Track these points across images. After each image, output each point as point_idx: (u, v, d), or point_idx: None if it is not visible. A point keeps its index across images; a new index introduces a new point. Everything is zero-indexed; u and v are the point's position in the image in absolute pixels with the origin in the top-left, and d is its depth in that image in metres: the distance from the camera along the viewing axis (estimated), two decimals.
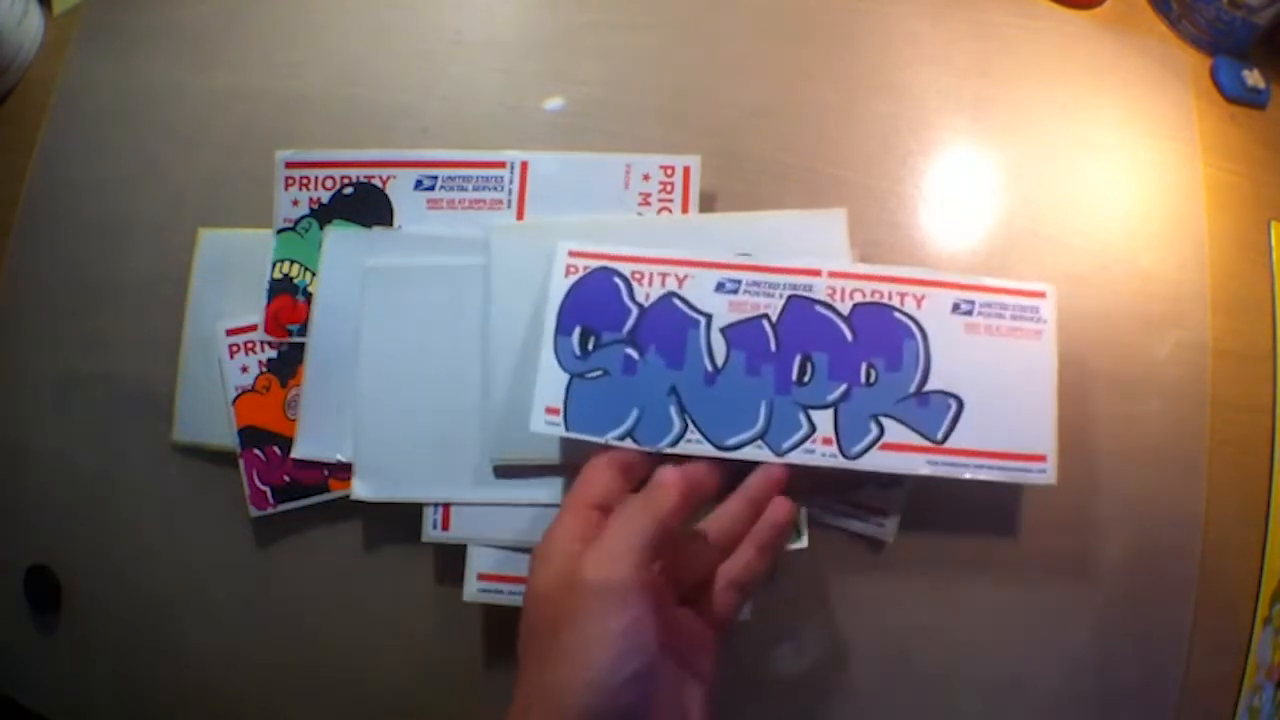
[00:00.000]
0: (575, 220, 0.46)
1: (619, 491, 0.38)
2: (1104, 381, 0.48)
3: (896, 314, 0.43)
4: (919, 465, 0.42)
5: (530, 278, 0.45)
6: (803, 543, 0.44)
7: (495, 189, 0.47)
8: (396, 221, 0.48)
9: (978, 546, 0.47)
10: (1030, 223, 0.50)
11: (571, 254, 0.44)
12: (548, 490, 0.45)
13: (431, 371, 0.46)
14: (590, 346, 0.43)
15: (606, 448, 0.41)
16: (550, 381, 0.43)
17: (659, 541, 0.34)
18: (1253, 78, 0.55)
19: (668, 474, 0.37)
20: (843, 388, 0.42)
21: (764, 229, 0.46)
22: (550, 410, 0.43)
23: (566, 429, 0.42)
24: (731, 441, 0.42)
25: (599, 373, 0.43)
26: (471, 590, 0.44)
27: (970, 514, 0.46)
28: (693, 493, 0.37)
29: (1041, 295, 0.43)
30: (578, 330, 0.43)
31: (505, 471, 0.45)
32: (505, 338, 0.45)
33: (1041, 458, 0.42)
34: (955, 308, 0.43)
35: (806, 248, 0.45)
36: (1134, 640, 0.47)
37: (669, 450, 0.42)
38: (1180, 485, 0.48)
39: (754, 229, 0.46)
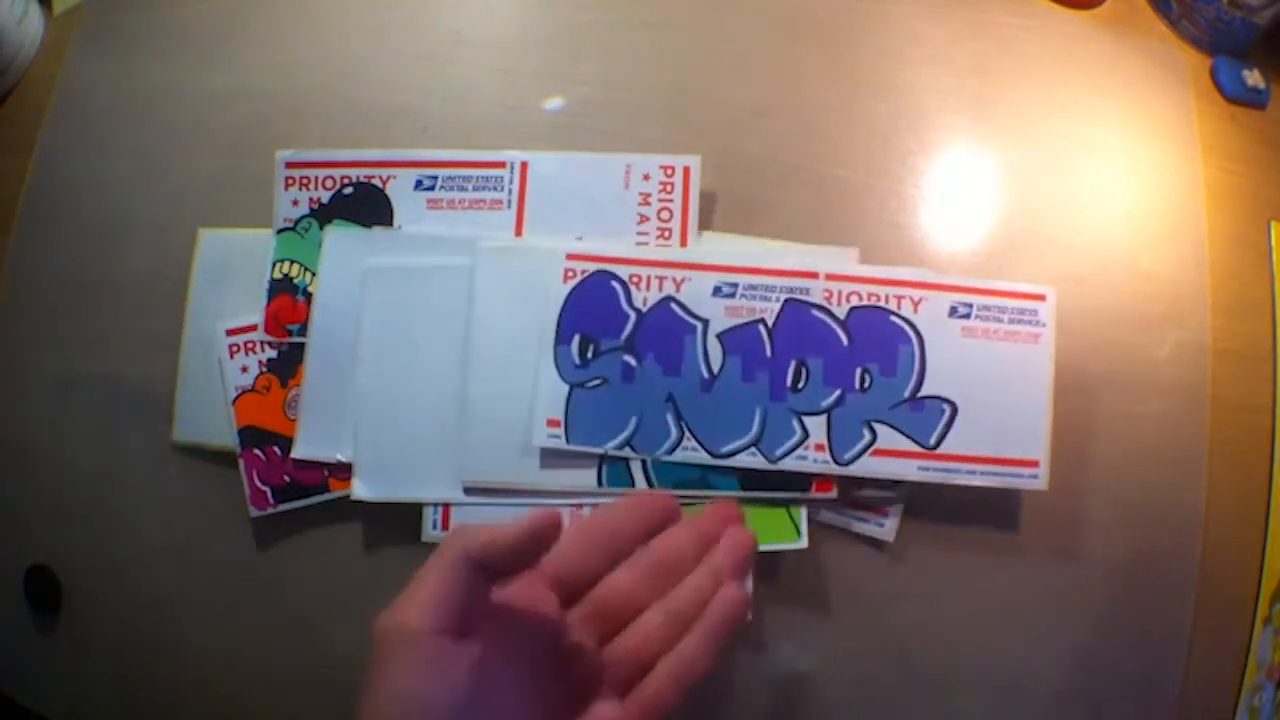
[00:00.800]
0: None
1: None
2: (1104, 381, 0.48)
3: (893, 318, 0.43)
4: (910, 470, 0.42)
5: (516, 300, 0.45)
6: (803, 543, 0.44)
7: (495, 189, 0.47)
8: (396, 221, 0.48)
9: (978, 546, 0.47)
10: (1030, 223, 0.50)
11: (570, 257, 0.44)
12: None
13: (431, 371, 0.46)
14: (590, 355, 0.43)
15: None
16: (551, 393, 0.43)
17: (466, 580, 0.28)
18: (1253, 78, 0.55)
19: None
20: (837, 393, 0.42)
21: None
22: (551, 423, 0.42)
23: (568, 441, 0.42)
24: (726, 449, 0.42)
25: (599, 381, 0.43)
26: None
27: (970, 514, 0.46)
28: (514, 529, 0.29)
29: (1041, 298, 0.43)
30: (577, 339, 0.43)
31: (475, 490, 0.44)
32: (487, 359, 0.45)
33: (1034, 463, 0.42)
34: (953, 311, 0.43)
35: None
36: (1134, 640, 0.47)
37: (665, 458, 0.42)
38: (1180, 485, 0.48)
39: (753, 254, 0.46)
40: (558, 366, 0.43)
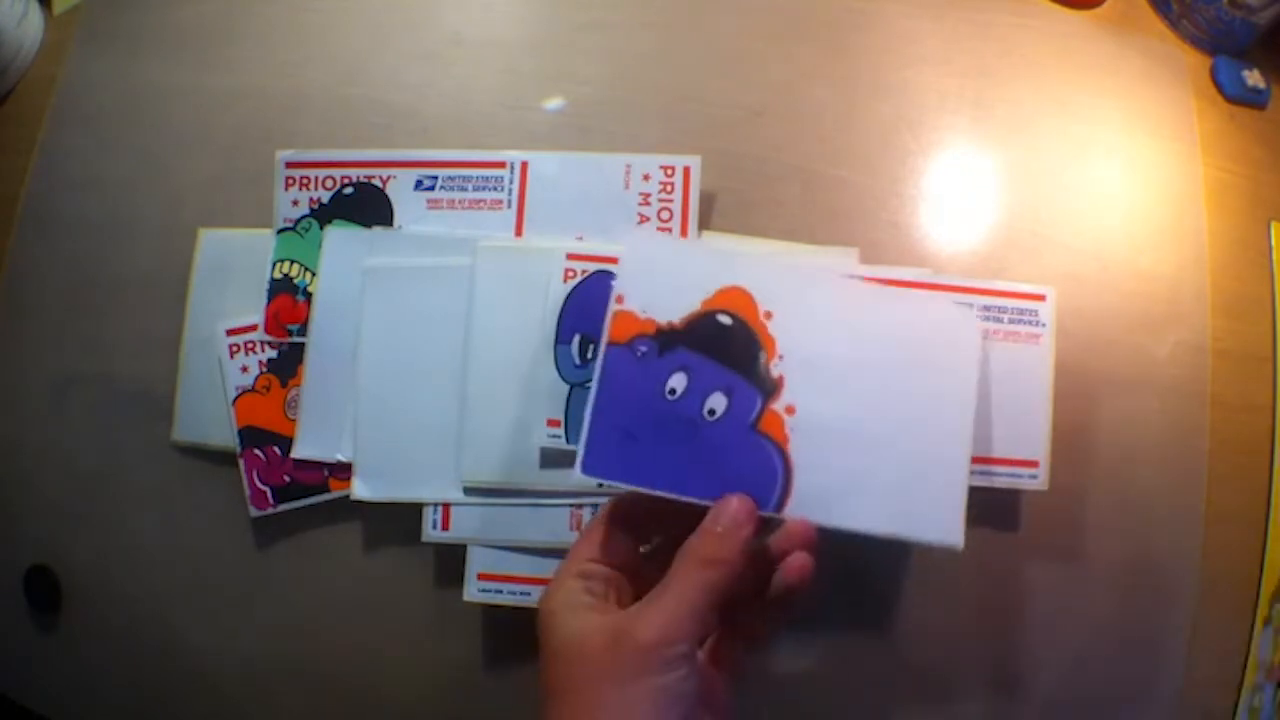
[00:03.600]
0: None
1: (622, 550, 0.36)
2: (1104, 381, 0.48)
3: None
4: None
5: (516, 300, 0.44)
6: None
7: (495, 189, 0.47)
8: (396, 221, 0.48)
9: (977, 546, 0.46)
10: (1030, 223, 0.50)
11: (570, 257, 0.44)
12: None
13: (431, 371, 0.46)
14: (590, 354, 0.43)
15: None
16: (551, 393, 0.43)
17: (719, 605, 0.33)
18: (1253, 78, 0.55)
19: (731, 540, 0.34)
20: None
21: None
22: (551, 423, 0.42)
23: (568, 441, 0.42)
24: None
25: None
26: (471, 590, 0.44)
27: (970, 514, 0.46)
28: (749, 548, 0.34)
29: (1041, 298, 0.43)
30: (577, 339, 0.43)
31: (475, 491, 0.44)
32: (486, 359, 0.45)
33: (1034, 464, 0.42)
34: None
35: None
36: (1134, 640, 0.47)
37: None
38: (1180, 485, 0.48)
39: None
40: (558, 366, 0.43)
